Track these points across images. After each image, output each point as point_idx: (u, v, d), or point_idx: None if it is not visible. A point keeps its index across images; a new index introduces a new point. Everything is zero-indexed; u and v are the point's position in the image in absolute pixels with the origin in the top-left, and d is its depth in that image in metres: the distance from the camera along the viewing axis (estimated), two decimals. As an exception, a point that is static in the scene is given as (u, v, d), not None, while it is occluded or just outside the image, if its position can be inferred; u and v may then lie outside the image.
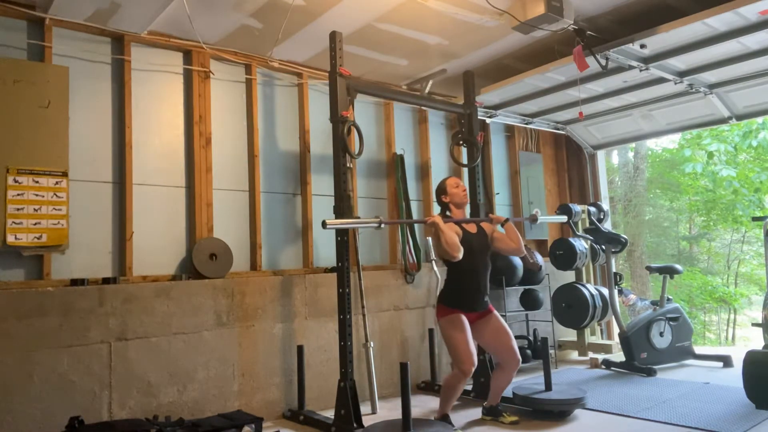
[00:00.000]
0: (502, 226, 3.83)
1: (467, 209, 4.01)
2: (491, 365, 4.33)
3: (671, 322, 5.33)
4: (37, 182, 3.38)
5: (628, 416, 3.77)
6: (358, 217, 4.55)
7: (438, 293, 3.79)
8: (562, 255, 5.76)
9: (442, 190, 3.84)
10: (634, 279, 12.33)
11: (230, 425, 3.40)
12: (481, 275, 3.64)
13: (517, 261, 5.34)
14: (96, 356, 3.41)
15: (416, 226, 5.19)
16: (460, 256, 3.45)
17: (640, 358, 5.12)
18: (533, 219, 4.19)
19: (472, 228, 3.74)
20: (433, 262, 5.16)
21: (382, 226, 3.60)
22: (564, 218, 5.02)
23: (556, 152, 6.88)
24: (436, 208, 4.19)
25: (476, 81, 4.75)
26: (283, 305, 4.23)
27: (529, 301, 5.55)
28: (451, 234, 3.48)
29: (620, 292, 5.80)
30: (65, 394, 3.29)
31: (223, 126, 4.33)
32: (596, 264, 6.13)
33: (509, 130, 6.36)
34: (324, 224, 3.32)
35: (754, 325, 5.09)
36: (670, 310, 5.40)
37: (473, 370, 3.45)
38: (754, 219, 6.17)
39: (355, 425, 3.50)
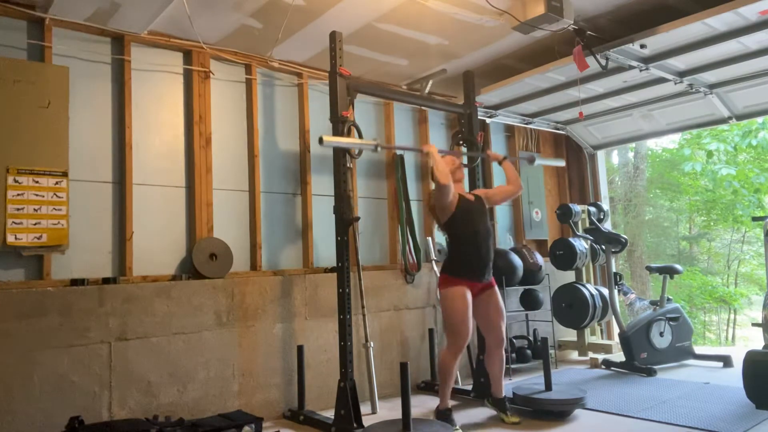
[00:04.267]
0: (500, 164, 3.94)
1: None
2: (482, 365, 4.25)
3: (671, 322, 5.33)
4: (37, 182, 3.38)
5: (628, 416, 3.77)
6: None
7: (442, 264, 3.81)
8: (562, 255, 5.76)
9: None
10: (634, 279, 12.32)
11: (230, 425, 3.40)
12: (482, 240, 3.66)
13: (517, 261, 5.34)
14: (96, 356, 3.41)
15: (416, 226, 5.18)
16: (450, 185, 3.51)
17: (640, 358, 5.11)
18: (531, 159, 4.41)
19: (469, 196, 3.80)
20: (433, 262, 5.16)
21: (379, 149, 3.70)
22: (562, 162, 5.35)
23: (556, 152, 6.88)
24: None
25: (476, 81, 4.75)
26: (283, 305, 4.23)
27: (529, 301, 5.55)
28: (443, 163, 3.58)
29: (621, 290, 5.80)
30: (65, 394, 3.29)
31: (223, 126, 4.33)
32: (596, 264, 6.13)
33: (509, 130, 6.36)
34: (321, 140, 3.37)
35: (754, 325, 5.09)
36: (670, 310, 5.40)
37: (466, 345, 3.59)
38: (754, 219, 6.16)
39: (355, 425, 3.50)
